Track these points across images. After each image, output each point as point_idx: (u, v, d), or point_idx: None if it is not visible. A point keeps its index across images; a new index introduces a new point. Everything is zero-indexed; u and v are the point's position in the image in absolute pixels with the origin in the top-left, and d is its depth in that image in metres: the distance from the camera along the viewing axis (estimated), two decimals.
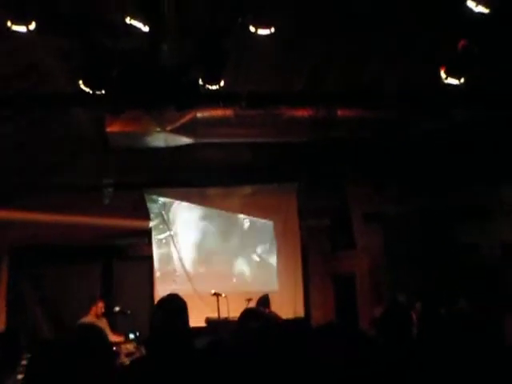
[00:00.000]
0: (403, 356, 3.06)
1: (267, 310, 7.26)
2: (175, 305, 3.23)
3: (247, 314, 4.05)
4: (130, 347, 7.33)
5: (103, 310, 8.37)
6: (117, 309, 8.44)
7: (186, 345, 2.98)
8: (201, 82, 5.51)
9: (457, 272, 8.85)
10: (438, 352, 3.09)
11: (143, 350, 6.88)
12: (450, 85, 5.55)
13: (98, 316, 8.18)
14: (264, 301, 7.75)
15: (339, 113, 7.59)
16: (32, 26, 5.04)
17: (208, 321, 8.62)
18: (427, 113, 7.36)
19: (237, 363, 1.34)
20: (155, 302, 9.96)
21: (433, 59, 5.67)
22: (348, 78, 7.32)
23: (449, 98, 6.47)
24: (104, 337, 2.83)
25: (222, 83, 5.56)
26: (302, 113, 7.68)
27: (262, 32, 5.28)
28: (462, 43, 5.28)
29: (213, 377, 2.45)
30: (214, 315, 8.52)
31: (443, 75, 5.51)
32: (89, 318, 8.01)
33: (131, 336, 7.76)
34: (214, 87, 5.52)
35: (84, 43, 5.32)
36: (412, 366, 2.88)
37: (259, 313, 4.89)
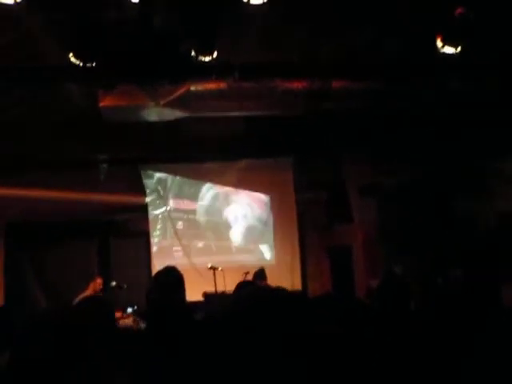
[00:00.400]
0: (400, 326, 3.06)
1: (263, 283, 7.29)
2: (172, 277, 3.23)
3: (242, 286, 4.07)
4: (129, 321, 7.36)
5: (101, 286, 8.41)
6: (113, 283, 8.47)
7: (182, 316, 2.99)
8: (193, 53, 5.43)
9: (453, 243, 8.88)
10: (435, 320, 3.09)
11: (142, 324, 6.92)
12: (446, 54, 5.47)
13: (96, 292, 8.20)
14: (260, 274, 7.77)
15: (334, 84, 7.50)
16: None
17: (205, 295, 8.67)
18: (423, 83, 7.29)
19: (232, 333, 1.32)
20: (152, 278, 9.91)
21: (429, 27, 5.58)
22: (343, 49, 7.23)
23: (445, 67, 6.39)
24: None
25: (214, 55, 5.48)
26: (296, 85, 7.59)
27: (255, 1, 5.20)
28: (458, 10, 5.19)
29: (211, 348, 2.45)
30: (212, 289, 8.56)
31: (439, 44, 5.44)
32: (87, 294, 8.02)
33: (129, 310, 7.79)
34: (207, 59, 5.44)
35: (74, 15, 5.22)
36: (410, 335, 2.88)
37: (254, 285, 4.91)
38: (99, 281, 8.44)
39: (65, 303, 8.97)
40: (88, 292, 8.19)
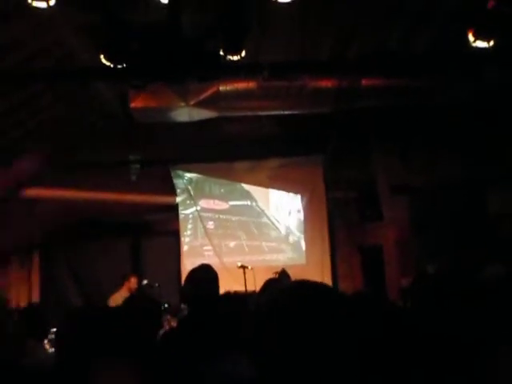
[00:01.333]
0: (433, 328, 2.97)
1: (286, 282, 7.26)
2: (207, 274, 3.27)
3: (270, 283, 4.07)
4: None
5: (136, 285, 8.51)
6: (145, 282, 8.56)
7: (216, 311, 2.99)
8: (222, 52, 5.45)
9: (487, 243, 8.69)
10: (474, 321, 2.98)
11: (173, 322, 6.98)
12: (478, 48, 5.35)
13: (130, 290, 8.30)
14: (285, 273, 7.76)
15: (364, 82, 7.44)
16: (52, 2, 5.04)
17: (235, 294, 8.67)
18: (454, 78, 7.16)
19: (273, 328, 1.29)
20: (182, 276, 10.09)
21: (460, 21, 5.48)
22: (372, 47, 7.17)
23: (477, 61, 6.27)
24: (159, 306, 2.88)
25: (243, 54, 5.48)
26: (326, 83, 7.55)
27: (284, 0, 5.18)
28: (491, 3, 5.07)
29: (244, 341, 2.44)
30: (241, 289, 8.56)
31: (471, 38, 5.32)
32: (122, 293, 8.14)
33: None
34: (236, 58, 5.45)
35: (104, 17, 5.29)
36: (445, 338, 2.77)
37: (278, 283, 4.89)
38: (134, 280, 8.55)
39: (96, 302, 9.14)
40: (123, 291, 8.31)
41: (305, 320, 1.26)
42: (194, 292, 3.12)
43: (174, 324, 6.75)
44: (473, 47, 5.38)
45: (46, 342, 3.66)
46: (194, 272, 3.29)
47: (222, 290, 4.43)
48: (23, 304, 9.38)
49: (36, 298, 9.86)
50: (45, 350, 3.59)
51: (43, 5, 5.12)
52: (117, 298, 7.78)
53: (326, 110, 7.99)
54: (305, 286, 1.38)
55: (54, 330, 3.44)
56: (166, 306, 7.75)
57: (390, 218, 9.65)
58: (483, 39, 5.36)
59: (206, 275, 3.24)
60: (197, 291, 3.11)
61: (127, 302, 3.08)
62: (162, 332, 3.59)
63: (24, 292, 10.10)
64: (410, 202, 9.59)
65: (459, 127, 8.47)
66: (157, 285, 8.43)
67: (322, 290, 1.36)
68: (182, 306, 8.17)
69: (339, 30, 7.00)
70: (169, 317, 7.24)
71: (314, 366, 1.23)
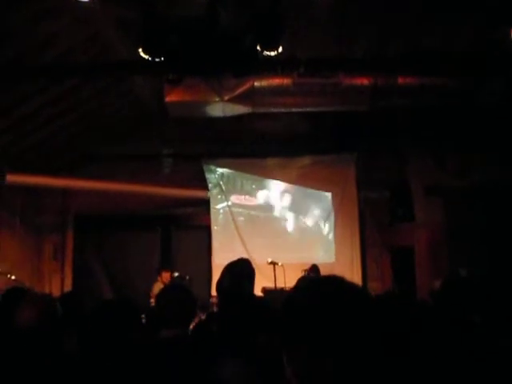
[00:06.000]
0: (463, 331, 2.91)
1: None
2: (245, 269, 3.28)
3: (302, 281, 4.06)
4: None
5: (169, 279, 8.62)
6: (176, 274, 8.65)
7: (252, 306, 2.99)
8: (259, 48, 5.45)
9: None
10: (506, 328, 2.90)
11: (202, 316, 7.01)
12: None
13: (164, 284, 8.42)
14: (315, 269, 7.75)
15: (400, 80, 7.34)
16: None
17: (264, 290, 8.67)
18: (492, 79, 7.01)
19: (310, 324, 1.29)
20: (212, 270, 10.15)
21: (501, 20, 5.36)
22: (409, 44, 7.07)
23: None
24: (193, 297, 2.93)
25: (280, 49, 5.47)
26: (361, 81, 7.48)
27: None
28: None
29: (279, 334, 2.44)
30: (271, 285, 8.56)
31: None
32: (158, 285, 8.28)
33: None
34: (272, 53, 5.45)
35: (143, 11, 5.34)
36: (474, 342, 2.71)
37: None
38: (165, 275, 8.66)
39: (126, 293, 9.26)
40: (158, 283, 8.45)
41: (331, 315, 1.26)
42: (230, 287, 3.13)
43: (202, 317, 6.78)
44: None
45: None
46: (233, 266, 3.30)
47: None
48: (56, 294, 9.60)
49: (68, 288, 10.04)
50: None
51: None
52: (155, 290, 7.94)
53: (361, 108, 7.92)
54: (331, 281, 1.37)
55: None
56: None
57: (423, 219, 9.52)
58: None
59: (244, 271, 3.25)
60: (233, 287, 3.12)
61: (162, 292, 3.10)
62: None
63: (56, 283, 10.31)
64: (443, 204, 9.42)
65: (495, 129, 8.29)
66: (187, 277, 8.51)
67: (349, 287, 1.36)
68: (212, 300, 8.23)
69: (376, 27, 6.93)
70: (198, 311, 7.28)
71: (340, 362, 1.23)
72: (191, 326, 3.57)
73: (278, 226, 10.54)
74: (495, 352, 2.52)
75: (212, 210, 10.58)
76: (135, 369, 2.44)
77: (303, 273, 8.13)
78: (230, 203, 10.60)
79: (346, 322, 1.26)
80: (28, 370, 2.43)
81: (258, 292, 8.54)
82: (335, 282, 1.36)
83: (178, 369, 2.53)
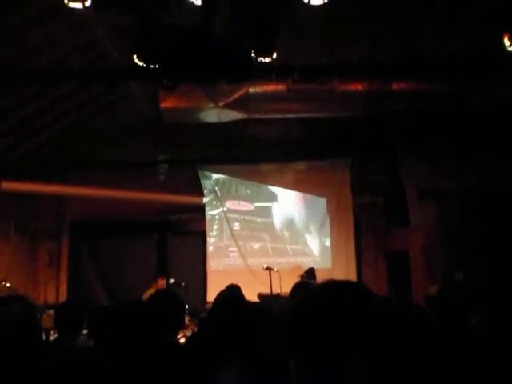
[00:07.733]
0: (459, 336, 2.90)
1: (314, 283, 7.23)
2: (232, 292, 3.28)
3: (299, 287, 4.06)
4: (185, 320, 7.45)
5: (164, 286, 8.58)
6: (172, 281, 8.63)
7: (247, 309, 2.99)
8: (253, 54, 5.47)
9: None
10: (502, 333, 2.88)
11: (191, 324, 6.99)
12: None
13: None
14: (310, 273, 7.74)
15: (394, 86, 7.38)
16: (88, 3, 5.12)
17: (260, 296, 8.66)
18: (485, 83, 7.04)
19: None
20: (207, 276, 10.06)
21: (495, 26, 5.40)
22: (402, 50, 7.11)
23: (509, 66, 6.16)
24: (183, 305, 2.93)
25: (274, 56, 5.50)
26: (355, 86, 7.51)
27: (315, 2, 5.18)
28: None
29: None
30: (267, 291, 8.55)
31: (507, 43, 5.24)
32: (150, 291, 8.22)
33: None
34: (267, 60, 5.47)
35: (138, 18, 5.36)
36: (470, 346, 2.70)
37: (310, 285, 4.88)
38: (161, 282, 8.63)
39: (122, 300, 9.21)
40: (152, 290, 8.38)
41: (336, 320, 1.26)
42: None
43: (192, 327, 6.74)
44: (509, 52, 5.29)
45: (81, 337, 3.74)
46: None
47: (247, 292, 4.44)
48: (51, 301, 9.57)
49: (63, 295, 10.00)
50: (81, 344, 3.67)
51: (79, 5, 5.22)
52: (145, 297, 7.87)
53: (355, 114, 7.95)
54: (335, 286, 1.38)
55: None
56: (187, 307, 7.78)
57: (418, 223, 9.53)
58: None
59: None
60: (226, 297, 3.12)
61: (152, 298, 3.10)
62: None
63: (52, 290, 10.27)
64: (438, 208, 9.45)
65: (489, 132, 8.33)
66: (183, 284, 8.49)
67: (355, 289, 1.36)
68: (207, 306, 8.20)
69: (370, 33, 6.97)
70: (188, 318, 7.26)
71: (345, 367, 1.24)
72: (188, 333, 3.57)
73: (274, 231, 10.55)
74: (492, 355, 2.51)
75: (207, 216, 10.58)
76: (132, 375, 2.43)
77: (299, 278, 8.12)
78: (225, 209, 10.60)
79: (357, 324, 1.26)
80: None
81: (254, 298, 8.57)
82: (353, 287, 1.37)
83: (176, 375, 2.52)
